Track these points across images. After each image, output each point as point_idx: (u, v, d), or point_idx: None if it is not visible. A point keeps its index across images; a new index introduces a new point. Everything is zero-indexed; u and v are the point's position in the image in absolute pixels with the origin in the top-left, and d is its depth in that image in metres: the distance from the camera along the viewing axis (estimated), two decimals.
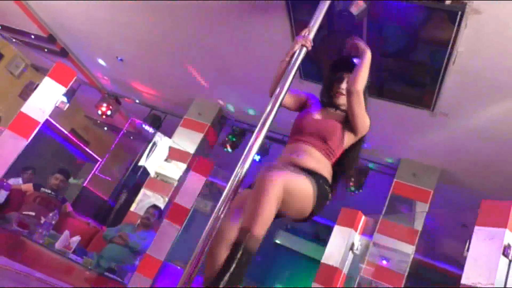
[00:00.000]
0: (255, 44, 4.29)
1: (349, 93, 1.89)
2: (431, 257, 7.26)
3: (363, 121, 1.95)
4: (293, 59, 2.02)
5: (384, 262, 4.54)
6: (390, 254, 4.50)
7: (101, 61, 6.34)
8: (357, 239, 3.79)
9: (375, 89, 4.07)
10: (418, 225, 4.56)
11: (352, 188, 5.04)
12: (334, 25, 3.36)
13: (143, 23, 4.80)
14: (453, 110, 3.90)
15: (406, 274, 4.36)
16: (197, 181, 3.37)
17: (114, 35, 5.40)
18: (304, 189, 1.76)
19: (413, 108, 4.04)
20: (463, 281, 2.20)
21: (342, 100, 2.01)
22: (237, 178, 1.76)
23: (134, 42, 5.35)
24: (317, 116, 2.02)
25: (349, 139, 1.99)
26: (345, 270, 3.73)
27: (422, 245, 4.82)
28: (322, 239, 9.28)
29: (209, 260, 1.79)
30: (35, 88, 2.86)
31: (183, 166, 5.57)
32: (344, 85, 2.00)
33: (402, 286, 4.27)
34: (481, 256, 2.22)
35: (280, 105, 1.97)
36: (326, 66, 3.95)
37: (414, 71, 3.79)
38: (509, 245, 2.31)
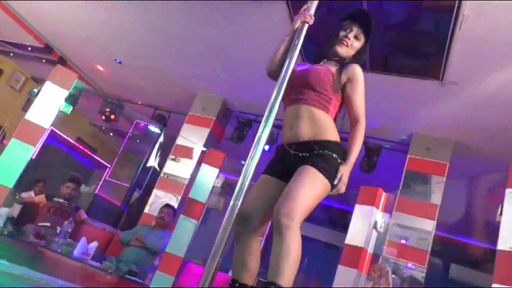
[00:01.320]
0: (254, 31, 4.21)
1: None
2: (452, 231, 7.18)
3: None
4: (295, 38, 1.90)
5: (403, 241, 4.46)
6: (410, 231, 4.41)
7: (99, 67, 6.30)
8: (380, 217, 3.70)
9: (380, 64, 3.99)
10: (437, 199, 4.48)
11: (365, 167, 4.96)
12: (333, 2, 3.27)
13: (137, 22, 4.74)
14: (463, 78, 3.80)
15: (429, 250, 4.29)
16: (210, 174, 3.31)
17: (109, 37, 5.34)
18: (323, 191, 1.68)
19: (422, 79, 3.94)
20: (500, 246, 2.12)
21: (343, 51, 1.89)
22: (248, 171, 1.69)
23: (129, 42, 5.30)
24: (305, 67, 1.91)
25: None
26: (370, 250, 3.65)
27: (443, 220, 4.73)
28: (338, 224, 9.24)
29: (239, 250, 1.74)
30: (37, 94, 2.81)
31: (191, 162, 5.52)
32: (351, 35, 1.89)
33: (426, 263, 4.19)
34: None
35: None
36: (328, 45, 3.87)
37: (420, 41, 3.69)
38: None
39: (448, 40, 3.38)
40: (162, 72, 5.89)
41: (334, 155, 1.71)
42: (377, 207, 3.67)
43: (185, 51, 5.09)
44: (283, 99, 1.82)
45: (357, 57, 1.93)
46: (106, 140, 9.20)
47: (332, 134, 1.77)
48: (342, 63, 1.88)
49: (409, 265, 4.16)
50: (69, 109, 3.01)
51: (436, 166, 4.67)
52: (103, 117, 6.68)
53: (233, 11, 3.96)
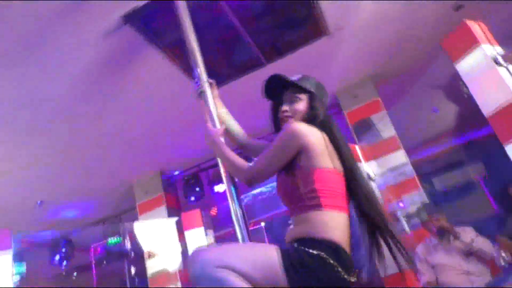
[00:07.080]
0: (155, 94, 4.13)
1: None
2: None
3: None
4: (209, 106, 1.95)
5: (389, 184, 4.47)
6: (388, 173, 4.44)
7: (24, 220, 5.81)
8: (367, 167, 3.66)
9: (271, 51, 4.07)
10: (391, 131, 4.61)
11: None
12: (203, 27, 3.30)
13: (37, 162, 4.47)
14: (343, 21, 3.97)
15: (415, 175, 4.37)
16: (197, 236, 3.06)
17: (18, 191, 5.00)
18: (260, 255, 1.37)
19: (314, 43, 4.08)
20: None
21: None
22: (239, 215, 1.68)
23: (40, 180, 4.97)
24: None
25: (313, 159, 1.48)
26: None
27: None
28: None
29: None
30: None
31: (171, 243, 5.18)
32: (285, 107, 1.66)
33: (420, 187, 4.26)
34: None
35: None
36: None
37: (291, 14, 3.81)
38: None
39: None
40: (88, 188, 5.58)
41: (310, 250, 1.31)
42: (360, 161, 3.64)
43: (98, 152, 4.84)
44: None
45: (312, 114, 1.62)
46: (73, 284, 8.44)
47: (313, 230, 1.38)
48: None
49: (409, 198, 4.19)
50: (23, 268, 2.65)
51: (372, 106, 4.82)
52: (56, 259, 6.16)
53: (128, 84, 3.89)
